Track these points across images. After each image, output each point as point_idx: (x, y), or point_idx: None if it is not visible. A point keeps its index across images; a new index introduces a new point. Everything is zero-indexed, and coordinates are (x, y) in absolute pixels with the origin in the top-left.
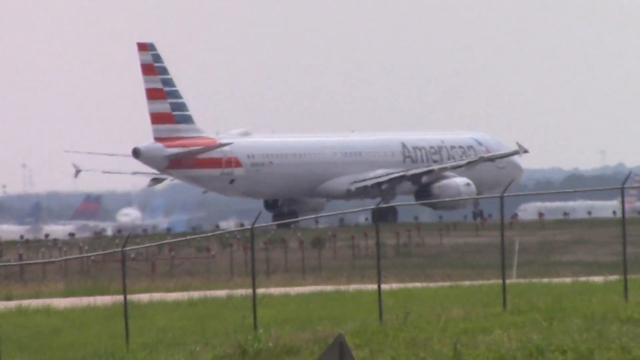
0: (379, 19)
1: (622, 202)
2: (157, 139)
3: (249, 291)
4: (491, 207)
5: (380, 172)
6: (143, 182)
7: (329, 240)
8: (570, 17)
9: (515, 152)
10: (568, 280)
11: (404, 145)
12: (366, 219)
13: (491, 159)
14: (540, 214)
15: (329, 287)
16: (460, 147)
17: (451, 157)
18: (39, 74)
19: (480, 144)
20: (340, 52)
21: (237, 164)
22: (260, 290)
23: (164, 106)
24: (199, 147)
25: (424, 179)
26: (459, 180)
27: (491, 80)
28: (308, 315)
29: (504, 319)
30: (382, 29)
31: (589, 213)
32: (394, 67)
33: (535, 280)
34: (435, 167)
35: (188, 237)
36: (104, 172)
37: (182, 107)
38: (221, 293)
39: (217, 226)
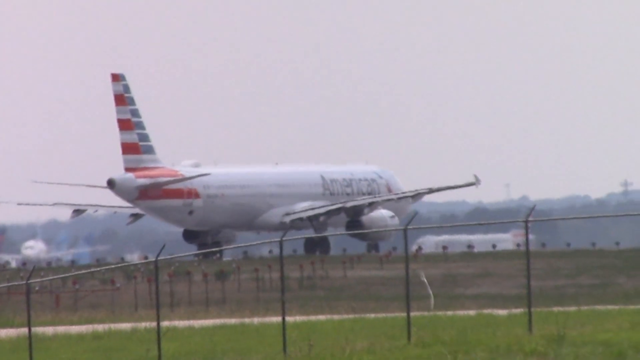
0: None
1: (527, 236)
2: (127, 170)
3: (153, 324)
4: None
5: (306, 204)
6: (46, 214)
7: (233, 273)
8: (473, 50)
9: (471, 184)
10: (473, 312)
11: (323, 178)
12: (270, 251)
13: (439, 191)
14: (444, 247)
15: (233, 320)
16: (366, 179)
17: (359, 190)
18: None
19: (380, 177)
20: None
21: (196, 195)
22: (165, 323)
23: (132, 137)
24: (172, 178)
25: (365, 211)
26: (384, 212)
27: (394, 114)
28: (212, 348)
29: (408, 351)
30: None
31: (494, 246)
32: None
33: (439, 312)
34: (379, 199)
35: (92, 270)
36: (19, 203)
37: (146, 137)
38: (126, 326)
39: (122, 259)
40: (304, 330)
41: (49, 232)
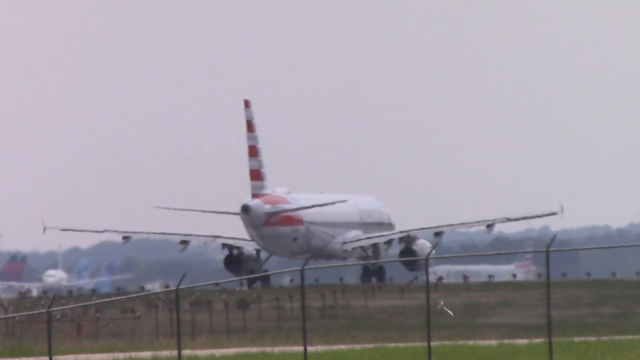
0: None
1: (547, 265)
2: (254, 196)
3: (174, 352)
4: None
5: (355, 233)
6: (68, 241)
7: (254, 302)
8: (492, 79)
9: (554, 213)
10: (493, 342)
11: (356, 207)
12: (291, 280)
13: (517, 220)
14: (465, 276)
15: (254, 349)
16: (377, 210)
17: (375, 219)
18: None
19: (383, 206)
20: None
21: (301, 222)
22: (186, 352)
23: (256, 163)
24: (289, 205)
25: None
26: (426, 242)
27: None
28: None
29: None
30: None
31: (514, 275)
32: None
33: (460, 342)
34: (448, 227)
35: (113, 298)
36: (63, 229)
37: (262, 164)
38: (146, 354)
39: (143, 287)
40: (325, 359)
41: (70, 260)
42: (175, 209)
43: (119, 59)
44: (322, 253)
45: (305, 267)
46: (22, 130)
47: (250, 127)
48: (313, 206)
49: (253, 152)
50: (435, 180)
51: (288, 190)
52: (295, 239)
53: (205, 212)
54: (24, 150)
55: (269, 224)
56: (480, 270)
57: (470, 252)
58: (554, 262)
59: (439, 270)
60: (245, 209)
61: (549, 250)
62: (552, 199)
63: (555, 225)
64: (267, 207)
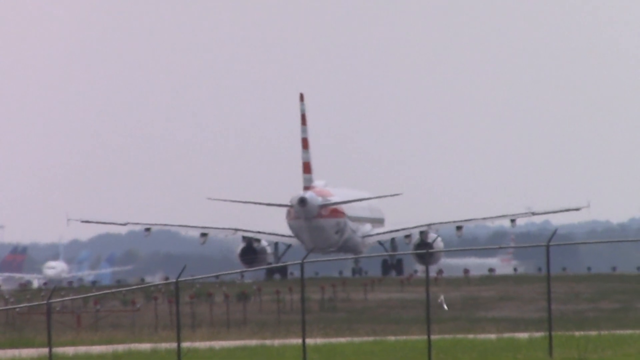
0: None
1: (547, 260)
2: (305, 188)
3: (174, 345)
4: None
5: (369, 227)
6: (73, 232)
7: (254, 295)
8: (500, 74)
9: (579, 208)
10: (493, 336)
11: (367, 202)
12: (291, 273)
13: (541, 214)
14: (466, 270)
15: (254, 342)
16: (375, 205)
17: (377, 214)
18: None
19: (377, 202)
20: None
21: (343, 215)
22: (185, 344)
23: (308, 156)
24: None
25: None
26: (434, 235)
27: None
28: None
29: None
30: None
31: (515, 270)
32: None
33: (460, 336)
34: (471, 221)
35: (113, 290)
36: (83, 221)
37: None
38: (146, 346)
39: (143, 279)
40: (325, 352)
41: (70, 252)
42: (227, 201)
43: (171, 49)
44: (344, 246)
45: (336, 259)
46: (29, 120)
47: (304, 120)
48: (359, 200)
49: (305, 144)
50: (430, 178)
51: (325, 184)
52: (337, 232)
53: (257, 204)
54: (28, 142)
55: (319, 216)
56: (481, 264)
57: (469, 246)
58: (554, 257)
59: (441, 263)
60: (302, 201)
61: (549, 244)
62: (554, 194)
63: (556, 219)
64: (320, 200)
